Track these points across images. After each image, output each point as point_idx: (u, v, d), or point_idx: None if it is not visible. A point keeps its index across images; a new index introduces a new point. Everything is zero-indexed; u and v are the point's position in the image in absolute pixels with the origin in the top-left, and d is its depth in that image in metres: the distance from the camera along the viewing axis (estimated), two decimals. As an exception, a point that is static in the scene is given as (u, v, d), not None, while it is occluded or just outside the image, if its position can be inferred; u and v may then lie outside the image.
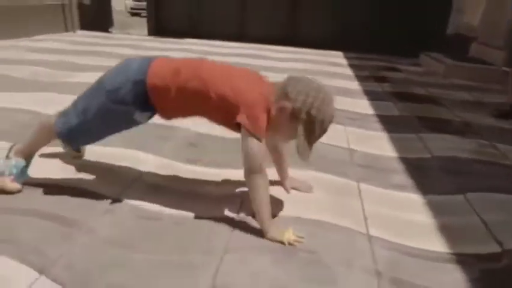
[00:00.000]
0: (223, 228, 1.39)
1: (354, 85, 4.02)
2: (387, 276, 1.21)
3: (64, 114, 1.52)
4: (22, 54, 4.47)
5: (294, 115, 1.34)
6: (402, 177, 1.91)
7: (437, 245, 1.40)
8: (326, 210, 1.56)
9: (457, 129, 2.75)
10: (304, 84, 1.37)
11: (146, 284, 1.11)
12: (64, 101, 2.66)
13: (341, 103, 3.24)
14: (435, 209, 1.63)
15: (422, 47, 6.08)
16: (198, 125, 2.40)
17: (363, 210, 1.59)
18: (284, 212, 1.53)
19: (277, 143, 1.62)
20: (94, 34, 6.67)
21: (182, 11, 7.22)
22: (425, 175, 1.95)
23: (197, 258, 1.22)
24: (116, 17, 8.39)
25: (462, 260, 1.32)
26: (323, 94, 1.36)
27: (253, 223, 1.42)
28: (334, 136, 2.32)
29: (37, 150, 1.62)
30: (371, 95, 3.58)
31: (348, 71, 4.83)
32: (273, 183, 1.59)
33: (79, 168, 1.75)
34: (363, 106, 3.20)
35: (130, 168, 1.79)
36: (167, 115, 1.53)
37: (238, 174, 1.76)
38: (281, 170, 1.70)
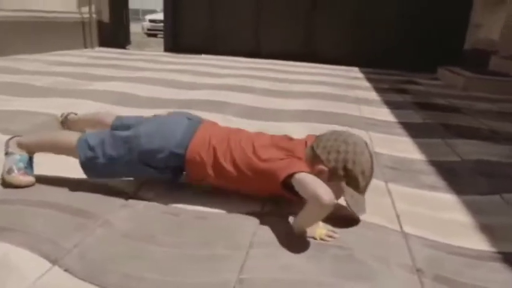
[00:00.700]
0: (248, 223, 1.30)
1: (374, 95, 3.95)
2: (430, 273, 1.10)
3: (88, 146, 1.42)
4: (43, 66, 4.56)
5: (333, 175, 1.29)
6: (433, 178, 1.81)
7: (479, 243, 1.29)
8: (355, 208, 1.46)
9: (485, 135, 2.63)
10: (332, 141, 1.32)
11: (168, 277, 1.02)
12: (81, 105, 2.72)
13: (361, 111, 3.17)
14: (472, 209, 1.52)
15: (439, 62, 6.01)
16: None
17: (395, 208, 1.49)
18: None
19: None
20: (112, 50, 6.79)
21: (199, 29, 7.34)
22: (456, 176, 1.84)
23: (221, 252, 1.14)
24: (133, 37, 8.55)
25: (509, 258, 1.20)
26: (352, 145, 1.31)
27: (279, 218, 1.33)
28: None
29: (43, 151, 1.55)
30: (392, 105, 3.50)
31: (367, 84, 4.77)
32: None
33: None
34: (385, 114, 3.11)
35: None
36: (197, 182, 1.48)
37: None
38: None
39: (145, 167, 1.41)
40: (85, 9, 6.66)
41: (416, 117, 3.07)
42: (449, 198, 1.62)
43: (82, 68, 4.60)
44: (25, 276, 0.99)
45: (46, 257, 1.07)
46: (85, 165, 1.43)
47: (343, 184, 1.30)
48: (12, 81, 3.54)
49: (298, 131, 2.44)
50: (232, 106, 3.04)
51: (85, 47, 6.74)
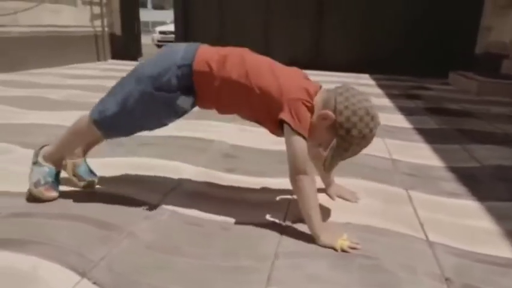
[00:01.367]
0: (271, 234, 1.30)
1: (386, 102, 3.94)
2: (458, 282, 1.09)
3: (100, 103, 1.44)
4: (57, 80, 4.64)
5: (334, 128, 1.26)
6: (454, 185, 1.79)
7: (506, 250, 1.26)
8: (377, 215, 1.45)
9: (503, 140, 2.60)
10: (356, 101, 1.27)
11: (194, 288, 1.03)
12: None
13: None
14: (497, 215, 1.50)
15: (450, 67, 5.98)
16: (234, 138, 2.37)
17: (418, 216, 1.47)
18: (332, 218, 1.43)
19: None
20: (124, 62, 6.87)
21: (209, 39, 7.38)
22: (478, 183, 1.82)
23: (247, 263, 1.13)
24: (143, 49, 8.65)
25: (539, 267, 1.18)
26: (370, 117, 1.26)
27: (302, 228, 1.32)
28: (373, 147, 2.22)
29: (68, 154, 1.56)
30: (405, 111, 3.48)
31: (378, 90, 4.75)
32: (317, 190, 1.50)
33: (117, 178, 1.72)
34: (399, 120, 3.09)
35: (168, 177, 1.74)
36: (205, 104, 1.44)
37: (280, 183, 1.70)
38: (325, 176, 1.61)
39: (159, 96, 1.34)
40: (98, 22, 6.78)
41: (431, 123, 3.05)
42: (471, 204, 1.60)
43: (95, 80, 4.67)
44: (55, 289, 1.00)
45: (74, 269, 1.08)
46: (100, 121, 1.41)
47: (334, 141, 1.27)
48: (27, 95, 3.60)
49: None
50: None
51: (98, 59, 6.84)
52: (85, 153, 1.62)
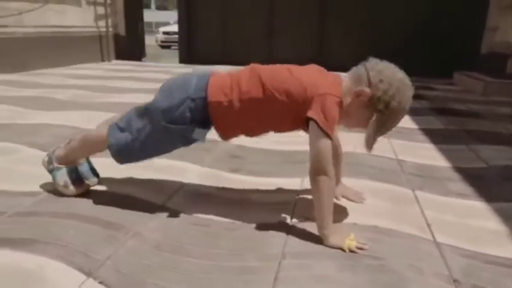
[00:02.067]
0: (278, 234, 1.29)
1: (391, 102, 3.91)
2: (467, 283, 1.08)
3: (118, 128, 1.43)
4: (63, 80, 4.66)
5: (371, 103, 1.23)
6: (460, 185, 1.78)
7: (516, 252, 1.25)
8: (384, 216, 1.44)
9: (509, 140, 2.58)
10: (390, 72, 1.24)
11: (201, 288, 1.02)
12: (99, 118, 2.76)
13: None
14: (505, 216, 1.48)
15: (455, 67, 5.94)
16: (239, 138, 2.36)
17: (425, 216, 1.46)
18: (339, 219, 1.41)
19: (338, 146, 1.52)
20: (128, 63, 6.89)
21: (213, 39, 7.41)
22: (485, 183, 1.81)
23: (253, 264, 1.13)
24: (147, 50, 8.67)
25: (549, 268, 1.17)
26: (406, 87, 1.24)
27: (309, 228, 1.31)
28: (379, 148, 2.20)
29: (79, 159, 1.56)
30: (410, 111, 3.40)
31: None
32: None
33: (123, 178, 1.72)
34: (404, 121, 3.04)
35: (174, 178, 1.74)
36: (228, 133, 1.42)
37: (286, 183, 1.69)
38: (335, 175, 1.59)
39: (170, 128, 1.33)
40: (102, 23, 6.80)
41: (436, 123, 3.03)
42: (478, 205, 1.59)
43: (99, 80, 4.68)
44: (61, 289, 1.00)
45: (80, 269, 1.08)
46: (115, 148, 1.41)
47: (375, 117, 1.23)
48: (32, 95, 3.61)
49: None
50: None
51: (102, 60, 6.86)
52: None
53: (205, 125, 1.37)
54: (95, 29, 6.70)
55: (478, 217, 1.48)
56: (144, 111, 1.40)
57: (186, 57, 7.53)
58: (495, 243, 1.30)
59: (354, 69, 1.32)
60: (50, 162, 1.53)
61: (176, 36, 8.17)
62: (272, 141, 2.27)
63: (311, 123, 1.23)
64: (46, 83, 4.35)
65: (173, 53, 9.37)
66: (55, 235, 1.24)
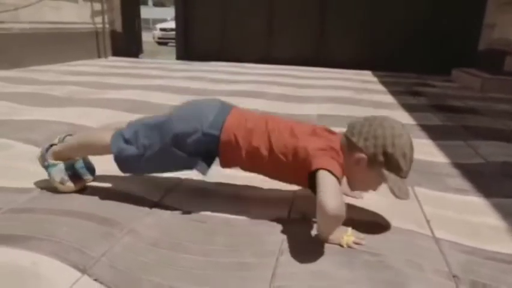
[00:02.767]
0: (275, 230, 1.28)
1: (389, 99, 3.91)
2: (466, 279, 1.06)
3: (123, 138, 1.42)
4: (59, 76, 4.62)
5: (372, 162, 1.24)
6: (459, 181, 1.77)
7: (515, 248, 1.24)
8: (382, 212, 1.43)
9: (508, 136, 2.57)
10: (367, 126, 1.27)
11: (200, 286, 1.00)
12: (97, 114, 2.74)
13: (378, 114, 3.13)
14: (504, 212, 1.48)
15: (453, 64, 5.94)
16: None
17: (423, 212, 1.45)
18: (337, 215, 1.40)
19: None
20: (125, 59, 6.86)
21: (211, 36, 7.38)
22: (484, 179, 1.80)
23: (251, 260, 1.11)
24: (144, 46, 8.63)
25: (548, 264, 1.16)
26: (389, 128, 1.25)
27: (307, 225, 1.30)
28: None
29: (77, 155, 1.55)
30: (408, 108, 3.45)
31: (381, 87, 4.72)
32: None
33: (119, 174, 1.69)
34: (402, 117, 3.07)
35: (170, 174, 1.71)
36: (228, 166, 1.45)
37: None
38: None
39: (176, 153, 1.35)
40: (98, 19, 6.76)
41: (434, 119, 3.02)
42: (477, 201, 1.58)
43: (96, 77, 4.65)
44: (55, 286, 0.98)
45: (75, 266, 1.06)
46: (118, 158, 1.42)
47: (384, 170, 1.24)
48: (29, 91, 3.59)
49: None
50: (248, 112, 3.03)
51: (99, 56, 6.82)
52: None
53: (210, 157, 1.40)
54: (92, 26, 6.66)
55: (477, 213, 1.47)
56: (154, 128, 1.40)
57: (183, 54, 7.50)
58: (494, 239, 1.29)
59: (342, 140, 1.33)
60: (44, 158, 1.51)
61: (174, 32, 8.13)
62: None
63: (317, 174, 1.20)
64: (42, 80, 4.32)
65: (171, 50, 9.32)
66: (50, 232, 1.22)
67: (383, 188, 1.63)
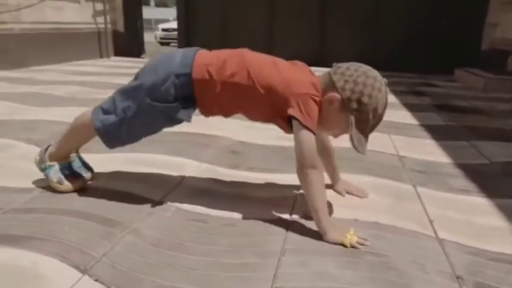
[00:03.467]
0: (277, 230, 1.27)
1: (391, 98, 3.89)
2: (470, 281, 1.05)
3: (102, 110, 1.41)
4: (61, 76, 4.63)
5: (344, 106, 1.23)
6: (463, 181, 1.75)
7: (520, 249, 1.23)
8: (385, 212, 1.42)
9: (511, 137, 2.55)
10: (352, 71, 1.25)
11: (201, 286, 0.99)
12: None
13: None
14: (508, 213, 1.46)
15: (456, 64, 5.91)
16: (239, 134, 2.34)
17: (427, 213, 1.44)
18: (340, 215, 1.39)
19: (325, 140, 1.52)
20: (127, 59, 6.86)
21: (212, 37, 7.37)
22: (487, 180, 1.78)
23: (252, 260, 1.11)
24: (146, 46, 8.62)
25: (554, 265, 1.15)
26: (372, 79, 1.23)
27: (309, 225, 1.29)
28: (379, 143, 2.19)
29: (73, 150, 1.55)
30: (411, 107, 3.44)
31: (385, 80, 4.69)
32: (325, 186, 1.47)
33: (120, 174, 1.69)
34: (405, 117, 3.05)
35: (172, 173, 1.71)
36: (208, 111, 1.40)
37: (286, 179, 1.67)
38: (332, 173, 1.58)
39: (155, 106, 1.31)
40: (100, 19, 6.76)
41: (437, 119, 3.01)
42: (481, 201, 1.56)
43: (98, 77, 4.65)
44: (56, 286, 0.97)
45: (75, 266, 1.05)
46: (101, 131, 1.39)
47: (352, 118, 1.23)
48: (31, 91, 3.59)
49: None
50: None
51: (101, 56, 6.82)
52: (77, 148, 1.59)
53: (189, 102, 1.35)
54: (94, 26, 6.66)
55: (481, 213, 1.46)
56: (128, 90, 1.38)
57: (185, 54, 7.50)
58: (499, 239, 1.28)
59: (322, 76, 1.32)
60: (41, 161, 1.51)
61: (176, 33, 8.13)
62: (273, 137, 2.25)
63: (294, 122, 1.23)
64: (44, 80, 4.32)
65: (172, 50, 9.31)
66: (51, 232, 1.21)
67: (385, 189, 1.63)
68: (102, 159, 1.78)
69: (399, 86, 4.75)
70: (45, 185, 1.52)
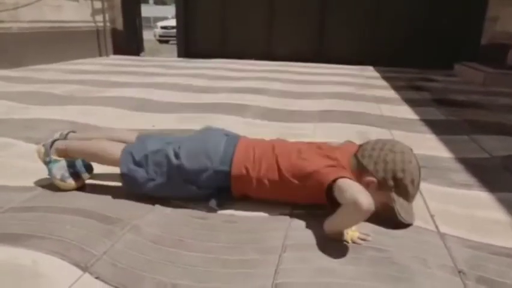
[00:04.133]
0: (278, 226, 1.27)
1: (391, 94, 3.88)
2: (472, 275, 1.05)
3: (132, 158, 1.40)
4: (60, 75, 4.61)
5: (382, 186, 1.27)
6: (464, 176, 1.75)
7: (521, 243, 1.23)
8: (387, 208, 1.42)
9: (510, 131, 2.55)
10: (378, 150, 1.29)
11: (203, 283, 0.99)
12: (99, 112, 2.74)
13: (381, 110, 3.11)
14: (510, 207, 1.46)
15: (455, 58, 5.90)
16: (239, 131, 2.33)
17: (428, 207, 1.43)
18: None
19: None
20: (126, 58, 6.84)
21: (211, 33, 7.36)
22: (488, 174, 1.78)
23: (254, 257, 1.10)
24: (145, 44, 8.62)
25: (556, 258, 1.14)
26: (400, 154, 1.27)
27: (310, 221, 1.29)
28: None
29: (83, 159, 1.54)
30: (411, 102, 3.43)
31: (383, 82, 4.69)
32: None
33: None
34: (405, 112, 3.04)
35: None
36: (241, 195, 1.42)
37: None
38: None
39: (188, 186, 1.37)
40: (99, 17, 6.74)
41: (437, 114, 3.00)
42: (483, 195, 1.56)
43: (98, 75, 4.64)
44: (56, 285, 0.97)
45: (76, 264, 1.05)
46: (127, 177, 1.40)
47: (392, 194, 1.27)
48: (31, 90, 3.58)
49: (321, 131, 2.40)
50: (250, 108, 3.02)
51: (100, 55, 6.81)
52: None
53: (223, 193, 1.40)
54: (93, 24, 6.64)
55: (482, 208, 1.45)
56: (163, 157, 1.39)
57: (184, 52, 7.48)
58: (500, 233, 1.27)
59: (351, 159, 1.34)
60: (46, 154, 1.50)
61: (175, 30, 8.10)
62: (271, 133, 2.24)
63: (336, 184, 1.20)
64: (43, 78, 4.31)
65: (172, 48, 9.30)
66: (51, 230, 1.21)
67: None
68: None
69: (400, 81, 4.74)
70: (45, 184, 1.52)
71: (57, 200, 1.41)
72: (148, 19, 24.76)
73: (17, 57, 5.13)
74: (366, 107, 3.16)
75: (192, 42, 7.50)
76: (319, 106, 3.16)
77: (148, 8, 26.91)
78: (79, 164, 1.53)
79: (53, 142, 1.52)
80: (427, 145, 2.18)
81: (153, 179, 1.38)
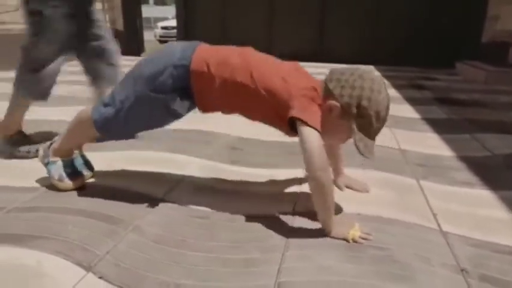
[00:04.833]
0: (280, 226, 1.27)
1: (392, 92, 3.88)
2: (475, 273, 1.05)
3: (101, 104, 1.40)
4: (62, 76, 4.58)
5: (345, 112, 1.19)
6: (466, 174, 1.75)
7: (524, 241, 1.23)
8: (388, 206, 1.42)
9: (513, 129, 2.55)
10: (347, 75, 1.21)
11: (206, 282, 0.99)
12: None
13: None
14: (510, 204, 1.46)
15: (456, 57, 5.89)
16: (240, 130, 2.33)
17: (430, 206, 1.43)
18: (343, 209, 1.39)
19: (332, 144, 1.49)
20: (127, 58, 6.83)
21: (211, 34, 7.36)
22: (491, 172, 1.78)
23: (256, 256, 1.10)
24: (146, 45, 8.61)
25: (558, 256, 1.14)
26: (370, 81, 1.18)
27: (312, 219, 1.28)
28: (381, 138, 2.17)
29: (75, 147, 1.54)
30: (412, 101, 3.42)
31: (384, 81, 4.68)
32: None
33: (122, 172, 1.69)
34: (406, 110, 3.04)
35: (173, 171, 1.71)
36: (206, 107, 1.37)
37: (288, 175, 1.67)
38: (336, 167, 1.57)
39: (152, 96, 1.29)
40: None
41: (439, 112, 3.00)
42: (485, 194, 1.56)
43: (98, 76, 4.64)
44: (60, 285, 0.97)
45: (79, 264, 1.05)
46: (99, 123, 1.37)
47: (353, 125, 1.19)
48: (32, 91, 3.57)
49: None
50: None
51: (100, 56, 6.81)
52: (80, 146, 1.59)
53: (187, 95, 1.32)
54: (93, 25, 6.64)
55: (484, 206, 1.45)
56: (127, 81, 1.37)
57: (185, 52, 7.49)
58: (502, 231, 1.27)
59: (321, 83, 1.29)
60: (45, 155, 1.51)
61: (175, 31, 8.12)
62: (274, 133, 2.24)
63: (297, 123, 1.19)
64: (44, 80, 4.31)
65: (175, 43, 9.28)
66: (54, 230, 1.21)
67: (388, 183, 1.63)
68: (103, 158, 1.78)
69: (401, 80, 4.73)
70: (48, 184, 1.52)
71: (61, 200, 1.41)
72: (148, 19, 24.74)
73: (18, 58, 5.13)
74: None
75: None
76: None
77: (148, 9, 26.93)
78: (78, 162, 1.53)
79: (51, 144, 1.53)
80: (429, 144, 2.18)
81: (122, 108, 1.33)
